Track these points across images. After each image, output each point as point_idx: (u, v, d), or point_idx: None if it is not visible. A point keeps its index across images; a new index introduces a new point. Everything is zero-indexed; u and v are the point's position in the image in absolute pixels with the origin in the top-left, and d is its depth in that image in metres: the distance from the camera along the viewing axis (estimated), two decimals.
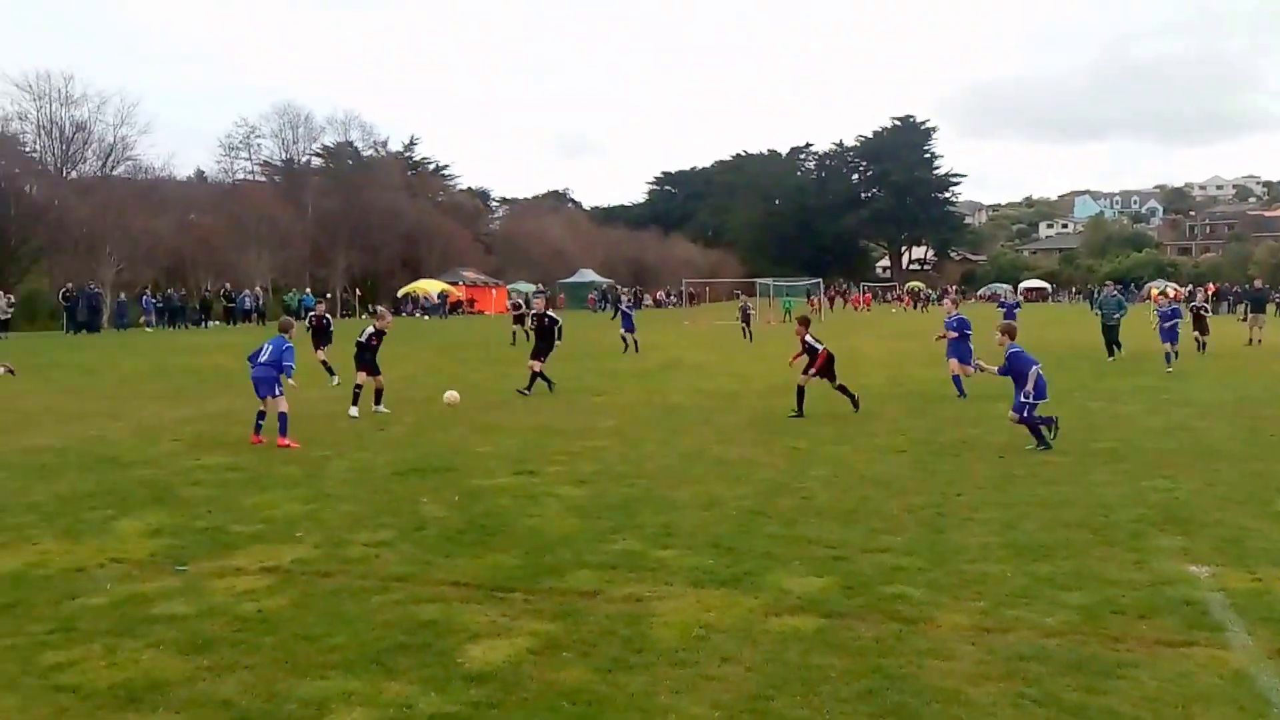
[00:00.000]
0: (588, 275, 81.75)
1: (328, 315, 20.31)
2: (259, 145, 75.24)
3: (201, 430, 13.06)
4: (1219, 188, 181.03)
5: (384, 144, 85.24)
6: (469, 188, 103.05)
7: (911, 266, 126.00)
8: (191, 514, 8.32)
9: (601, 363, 24.78)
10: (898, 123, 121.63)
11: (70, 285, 42.07)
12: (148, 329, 43.66)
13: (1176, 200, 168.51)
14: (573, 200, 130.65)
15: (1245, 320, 31.65)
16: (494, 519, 8.09)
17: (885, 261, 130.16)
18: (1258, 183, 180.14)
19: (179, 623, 5.66)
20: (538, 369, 17.14)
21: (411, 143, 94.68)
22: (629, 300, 34.68)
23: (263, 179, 75.11)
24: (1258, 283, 35.88)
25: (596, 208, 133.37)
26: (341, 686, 4.77)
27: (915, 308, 76.50)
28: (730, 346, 31.81)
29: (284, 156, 75.88)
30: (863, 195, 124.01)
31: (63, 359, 26.13)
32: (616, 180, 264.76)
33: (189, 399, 16.86)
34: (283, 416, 11.73)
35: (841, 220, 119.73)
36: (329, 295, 55.34)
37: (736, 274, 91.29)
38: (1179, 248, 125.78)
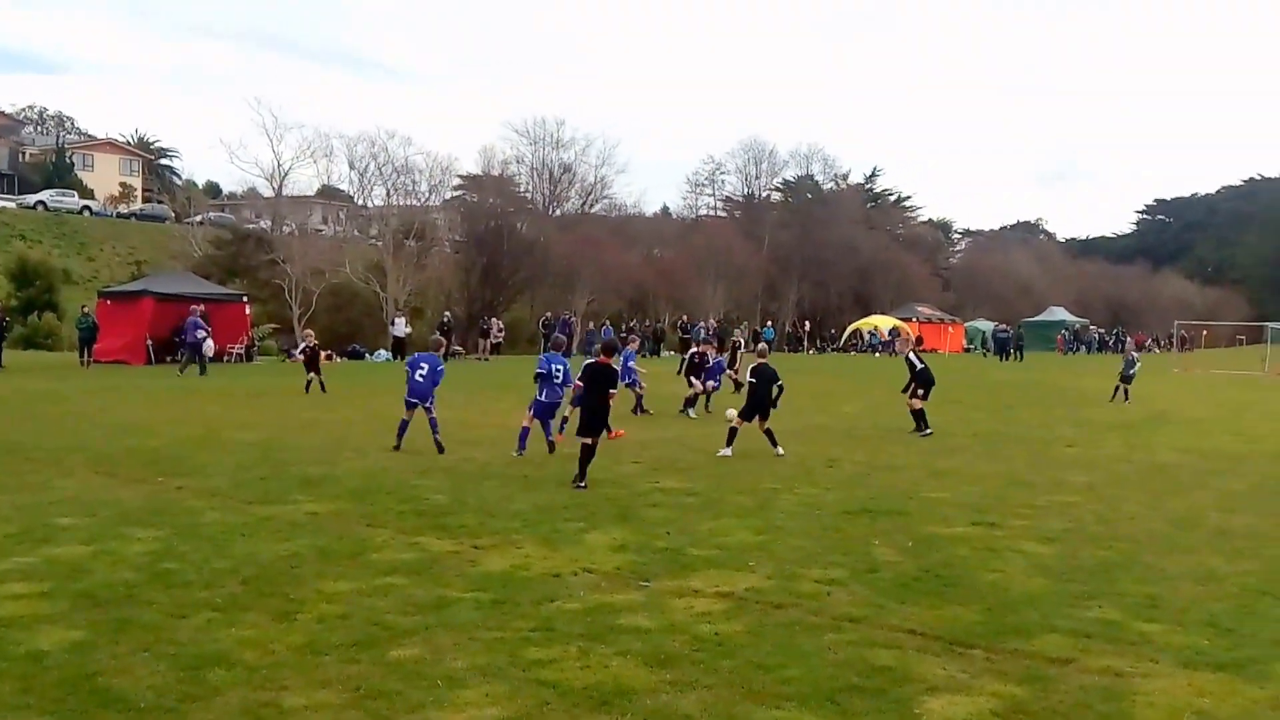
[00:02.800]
0: (1058, 314, 77.12)
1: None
2: (723, 181, 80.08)
3: (659, 455, 14.09)
4: None
5: (845, 176, 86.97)
6: (930, 219, 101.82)
7: None
8: (652, 533, 9.02)
9: (1077, 410, 23.34)
10: None
11: (549, 314, 47.24)
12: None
13: None
14: (1045, 231, 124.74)
15: None
16: (951, 569, 7.96)
17: None
18: None
19: (643, 635, 6.16)
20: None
21: (873, 174, 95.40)
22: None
23: (723, 214, 79.53)
24: None
25: (1072, 239, 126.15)
26: (797, 718, 4.96)
27: None
28: (1234, 400, 28.50)
29: (745, 191, 79.96)
30: None
31: None
32: (1098, 209, 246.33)
33: (649, 425, 18.12)
34: (433, 421, 13.73)
35: None
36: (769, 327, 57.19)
37: (1241, 316, 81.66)
38: None
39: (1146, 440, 17.55)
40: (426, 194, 53.24)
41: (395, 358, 37.92)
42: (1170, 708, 5.17)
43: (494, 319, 44.67)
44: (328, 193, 62.63)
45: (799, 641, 6.13)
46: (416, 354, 15.40)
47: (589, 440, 11.37)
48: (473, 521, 9.35)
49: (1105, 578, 7.83)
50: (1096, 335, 72.01)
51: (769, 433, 14.03)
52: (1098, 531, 9.62)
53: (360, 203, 57.00)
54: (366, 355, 42.11)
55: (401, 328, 40.91)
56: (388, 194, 52.38)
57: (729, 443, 13.90)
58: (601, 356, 12.24)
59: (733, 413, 14.19)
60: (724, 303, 64.75)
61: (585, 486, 11.09)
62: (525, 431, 13.75)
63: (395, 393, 15.80)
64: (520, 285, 56.54)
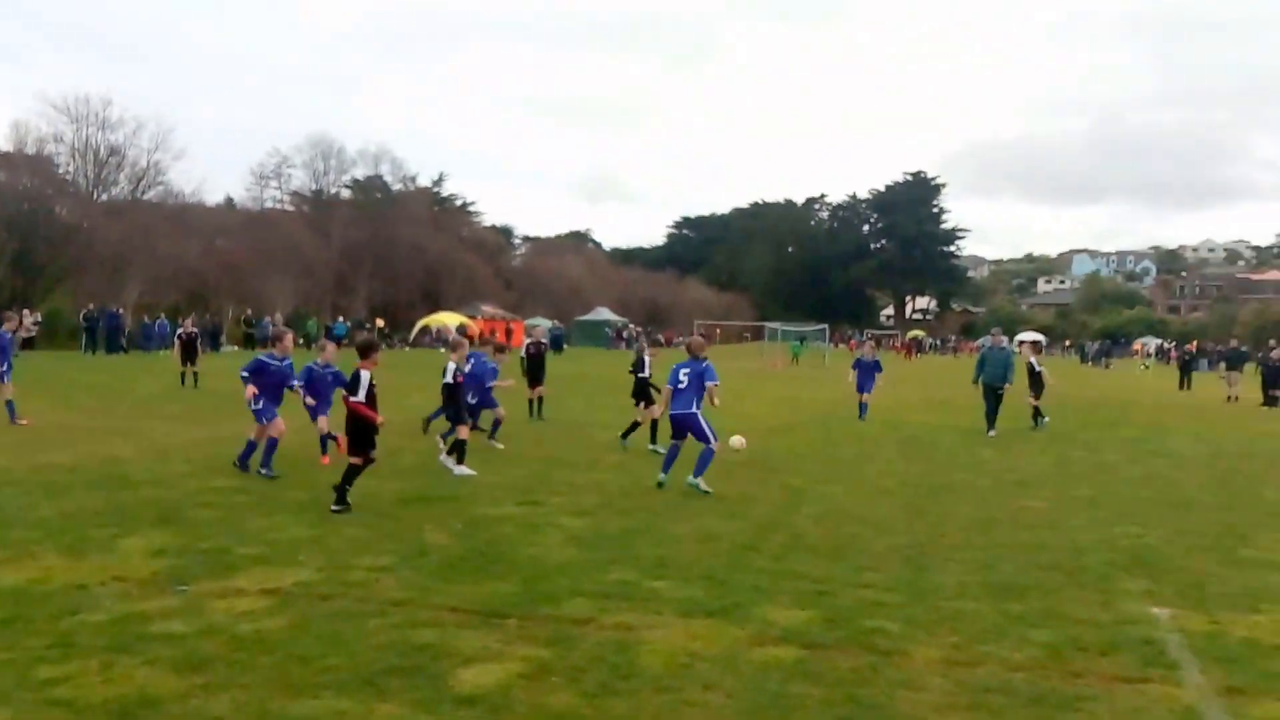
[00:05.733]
0: (603, 314, 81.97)
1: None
2: (290, 175, 75.92)
3: (213, 453, 13.12)
4: (1210, 250, 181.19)
5: (413, 179, 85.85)
6: (494, 225, 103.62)
7: (914, 316, 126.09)
8: (196, 535, 8.31)
9: (616, 397, 24.82)
10: (909, 177, 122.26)
11: (91, 306, 42.23)
12: (162, 352, 43.86)
13: (1169, 261, 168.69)
14: (594, 241, 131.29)
15: (1224, 378, 31.92)
16: (495, 547, 8.15)
17: (889, 310, 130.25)
18: (1247, 247, 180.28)
19: (176, 641, 5.66)
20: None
21: (440, 179, 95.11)
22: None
23: (291, 208, 75.70)
24: (1234, 342, 36.32)
25: (616, 249, 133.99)
26: (333, 707, 4.80)
27: (911, 356, 76.31)
28: (739, 389, 31.82)
29: (314, 187, 76.60)
30: (872, 246, 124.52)
31: (80, 379, 26.11)
32: (638, 223, 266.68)
33: (204, 421, 16.93)
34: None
35: (850, 269, 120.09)
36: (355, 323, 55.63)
37: (748, 318, 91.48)
38: (1169, 306, 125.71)
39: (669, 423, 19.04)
40: None
41: None
42: (668, 652, 5.64)
43: (25, 310, 39.18)
44: None
45: (342, 630, 5.95)
46: None
47: (354, 460, 9.61)
48: None
49: (626, 544, 8.37)
50: (635, 332, 77.19)
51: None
52: (624, 504, 10.28)
53: None
54: None
55: None
56: None
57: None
58: (360, 361, 9.78)
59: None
60: (293, 297, 61.74)
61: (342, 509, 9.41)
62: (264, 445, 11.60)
63: None
64: (58, 274, 49.63)
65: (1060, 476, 12.84)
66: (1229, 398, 29.86)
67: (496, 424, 14.88)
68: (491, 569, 7.44)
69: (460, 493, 10.64)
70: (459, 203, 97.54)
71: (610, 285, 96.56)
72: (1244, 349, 36.16)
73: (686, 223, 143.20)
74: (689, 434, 11.41)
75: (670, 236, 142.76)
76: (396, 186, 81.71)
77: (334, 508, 9.37)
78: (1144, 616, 6.46)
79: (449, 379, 12.52)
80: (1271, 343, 32.27)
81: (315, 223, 70.19)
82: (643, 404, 15.23)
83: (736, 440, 11.99)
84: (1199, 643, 5.93)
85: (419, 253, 73.28)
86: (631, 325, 78.94)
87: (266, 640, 5.73)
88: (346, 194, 78.68)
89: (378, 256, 69.88)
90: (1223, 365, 33.91)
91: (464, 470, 11.82)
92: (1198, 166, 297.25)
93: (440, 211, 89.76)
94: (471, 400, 13.60)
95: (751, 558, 7.99)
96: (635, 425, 15.10)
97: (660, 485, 11.26)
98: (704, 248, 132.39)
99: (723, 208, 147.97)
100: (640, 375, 15.56)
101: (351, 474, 9.58)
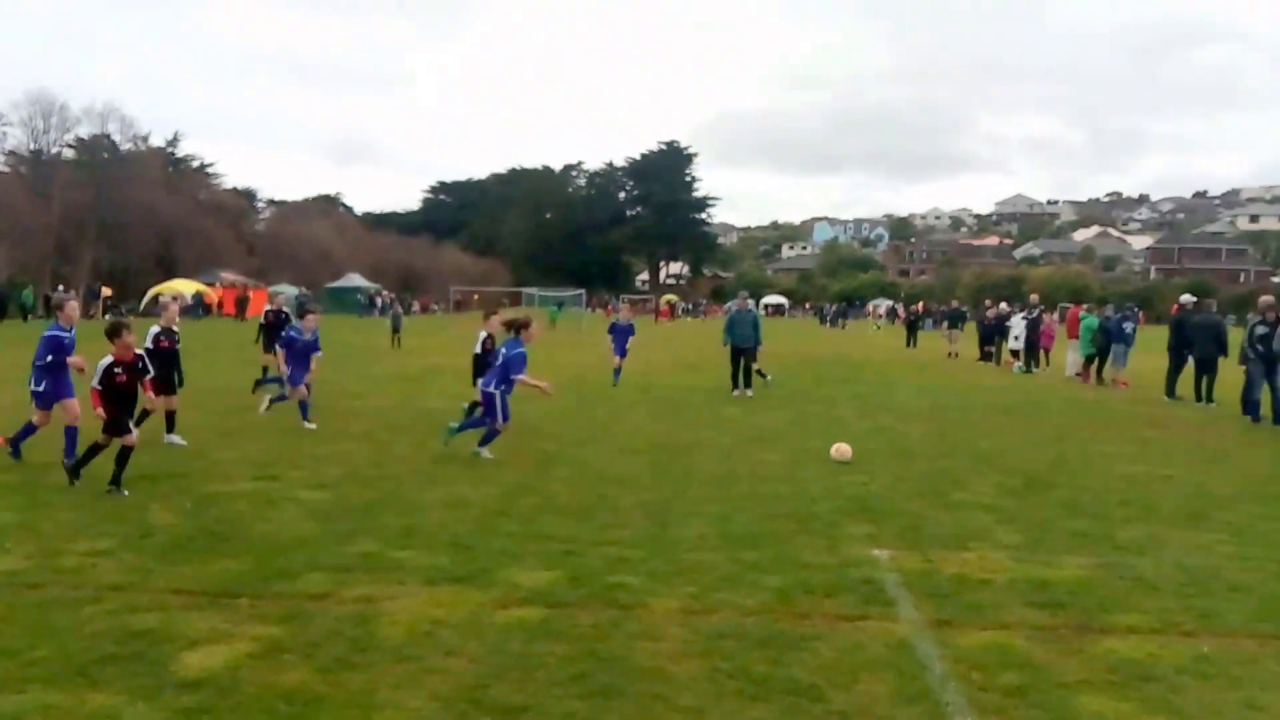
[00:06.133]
0: (355, 280, 79.20)
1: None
2: (4, 134, 68.67)
3: None
4: (937, 218, 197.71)
5: (144, 138, 79.45)
6: (235, 188, 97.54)
7: (668, 280, 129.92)
8: None
9: (362, 367, 24.10)
10: (663, 146, 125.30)
11: None
12: None
13: (901, 229, 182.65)
14: (344, 205, 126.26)
15: (946, 336, 34.94)
16: (227, 525, 7.71)
17: (645, 275, 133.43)
18: (969, 215, 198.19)
19: None
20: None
21: (175, 139, 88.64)
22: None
23: (6, 169, 68.51)
24: (954, 303, 39.91)
25: (369, 213, 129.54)
26: (40, 700, 4.42)
27: (671, 318, 78.75)
28: None
29: (32, 147, 69.55)
30: (628, 213, 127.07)
31: None
32: (392, 188, 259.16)
33: None
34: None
35: (607, 235, 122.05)
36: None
37: (506, 283, 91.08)
38: (900, 270, 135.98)
39: (421, 389, 18.74)
40: None
41: None
42: (410, 622, 5.54)
43: None
44: None
45: (53, 619, 5.48)
46: None
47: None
48: None
49: (370, 515, 8.14)
50: (389, 299, 75.05)
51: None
52: (369, 474, 10.00)
53: None
54: None
55: None
56: None
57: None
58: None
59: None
60: (7, 265, 55.90)
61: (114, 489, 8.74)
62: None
63: None
64: None
65: (797, 431, 13.63)
66: (950, 354, 32.68)
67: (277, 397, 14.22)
68: (221, 548, 7.04)
69: (190, 469, 10.00)
70: (196, 164, 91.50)
71: (363, 251, 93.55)
72: (964, 309, 39.67)
73: (443, 188, 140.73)
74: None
75: (426, 201, 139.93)
76: (126, 146, 75.60)
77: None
78: (866, 559, 6.96)
79: (150, 344, 11.66)
80: (987, 303, 35.53)
81: (34, 185, 63.85)
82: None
83: (841, 451, 11.22)
84: (914, 580, 6.45)
85: (151, 216, 68.23)
86: (385, 292, 76.77)
87: None
88: (70, 154, 71.98)
89: (105, 221, 64.36)
90: (945, 324, 37.02)
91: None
92: (927, 140, 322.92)
93: (175, 173, 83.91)
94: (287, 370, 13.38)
95: (500, 522, 7.98)
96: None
97: (445, 443, 11.32)
98: (461, 213, 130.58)
99: (480, 173, 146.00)
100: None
101: (91, 452, 9.07)
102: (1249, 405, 16.13)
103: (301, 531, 7.54)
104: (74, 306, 11.35)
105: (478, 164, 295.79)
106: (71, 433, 10.07)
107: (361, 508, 8.44)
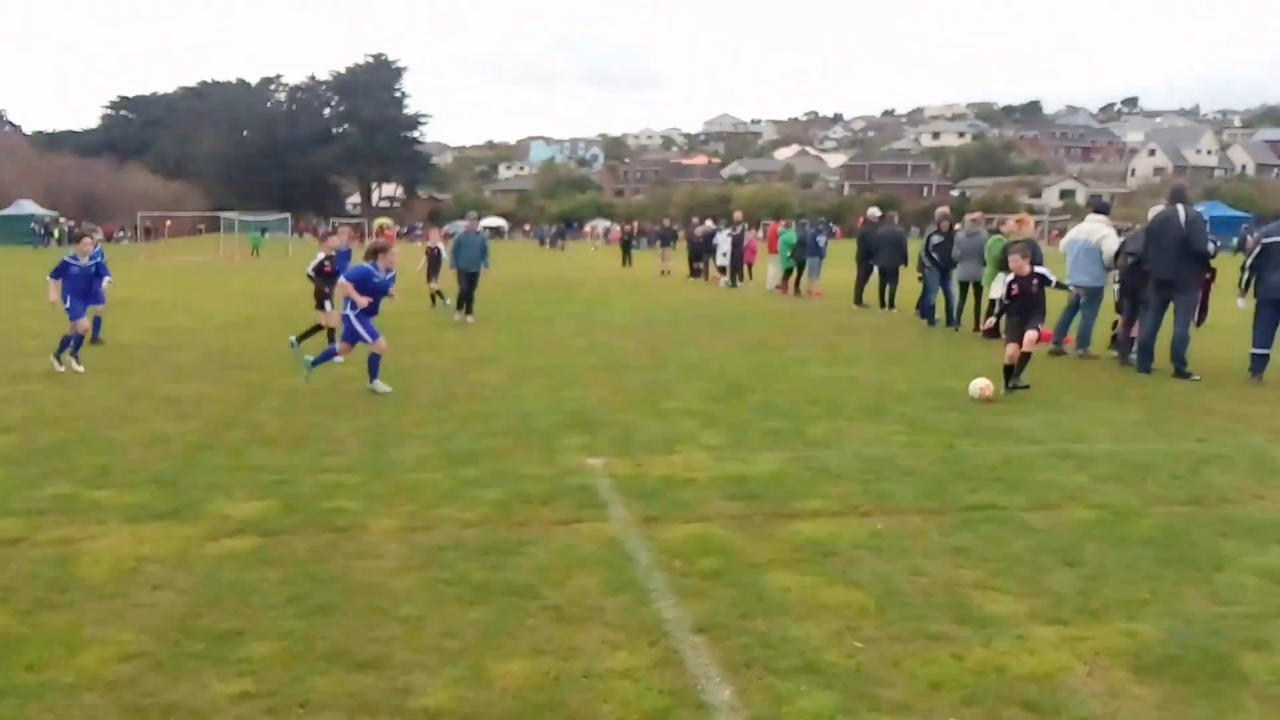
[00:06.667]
0: (27, 207, 70.92)
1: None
2: None
3: None
4: (650, 138, 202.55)
5: None
6: None
7: (381, 203, 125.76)
8: None
9: (41, 303, 21.88)
10: (370, 59, 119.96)
11: None
12: None
13: (615, 148, 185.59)
14: (10, 123, 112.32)
15: (659, 254, 36.37)
16: None
17: (356, 198, 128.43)
18: (680, 134, 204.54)
19: None
20: None
21: None
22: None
23: None
24: (666, 222, 41.58)
25: (40, 132, 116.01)
26: None
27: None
28: (191, 284, 29.68)
29: None
30: (334, 131, 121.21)
31: None
32: (64, 103, 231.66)
33: None
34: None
35: (312, 155, 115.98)
36: None
37: (201, 208, 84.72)
38: (615, 190, 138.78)
39: (110, 324, 17.34)
40: None
41: None
42: (114, 559, 5.33)
43: None
44: None
45: None
46: None
47: None
48: None
49: (61, 456, 7.62)
50: (67, 227, 68.08)
51: None
52: (57, 414, 9.30)
53: None
54: None
55: None
56: None
57: None
58: None
59: None
60: None
61: None
62: None
63: None
64: None
65: (517, 351, 13.89)
66: (662, 272, 34.10)
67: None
68: None
69: None
70: None
71: (34, 174, 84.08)
72: (674, 228, 41.30)
73: (124, 103, 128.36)
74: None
75: (106, 118, 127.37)
76: None
77: None
78: (581, 467, 7.35)
79: None
80: (694, 220, 37.17)
81: None
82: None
83: (980, 386, 10.21)
84: (624, 484, 6.89)
85: None
86: (63, 220, 69.46)
87: None
88: None
89: None
90: (659, 243, 38.44)
91: None
92: (627, 56, 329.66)
93: None
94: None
95: (206, 455, 7.71)
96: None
97: (304, 379, 11.01)
98: (146, 131, 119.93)
99: (166, 87, 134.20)
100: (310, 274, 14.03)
101: None
102: (925, 309, 18.07)
103: None
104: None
105: (163, 77, 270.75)
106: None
107: (52, 449, 7.87)
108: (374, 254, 10.87)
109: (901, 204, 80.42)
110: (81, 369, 11.89)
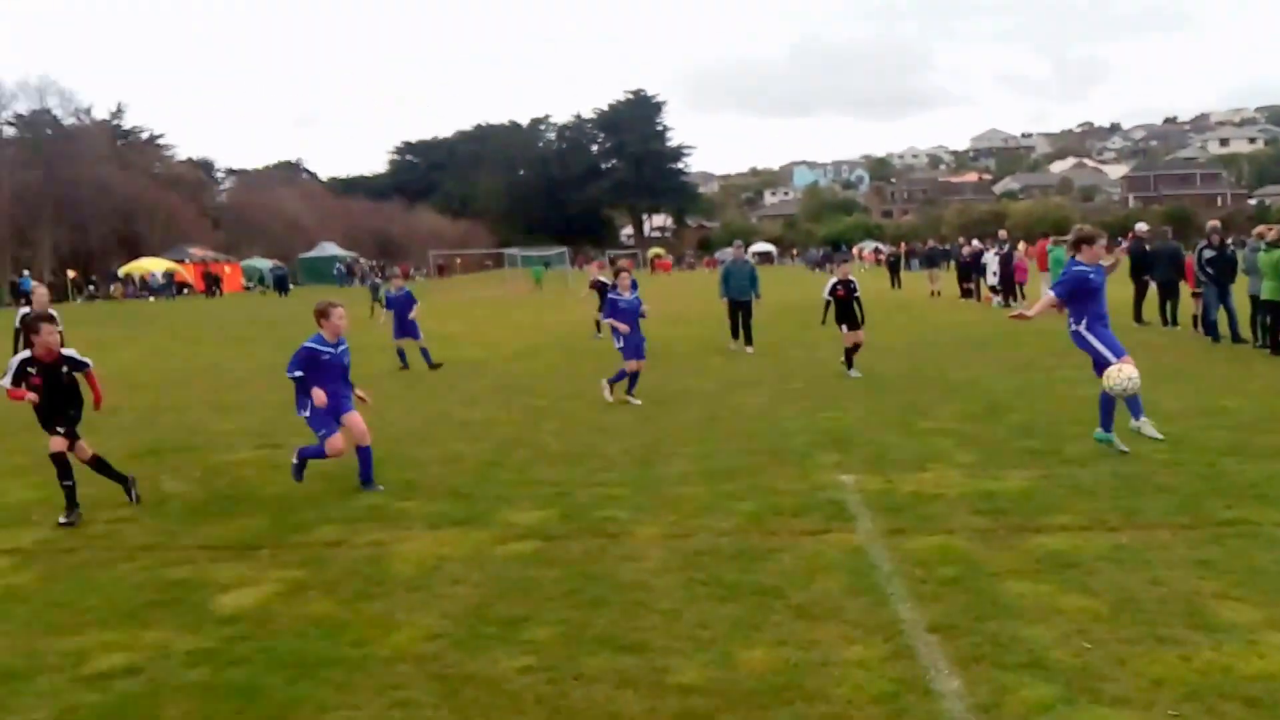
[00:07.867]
0: (330, 249, 79.01)
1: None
2: None
3: None
4: (915, 157, 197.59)
5: (87, 111, 78.81)
6: (190, 158, 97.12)
7: (653, 234, 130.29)
8: None
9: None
10: (630, 96, 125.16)
11: None
12: None
13: (880, 169, 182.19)
14: (307, 170, 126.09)
15: (928, 275, 35.70)
16: (238, 489, 8.48)
17: (629, 229, 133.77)
18: (946, 151, 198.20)
19: None
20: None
21: (119, 110, 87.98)
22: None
23: None
24: (932, 243, 40.62)
25: (335, 178, 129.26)
26: (99, 639, 5.17)
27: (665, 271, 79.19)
28: (483, 317, 32.35)
29: None
30: (603, 166, 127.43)
31: None
32: (354, 150, 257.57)
33: None
34: None
35: (585, 190, 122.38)
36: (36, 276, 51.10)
37: (486, 244, 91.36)
38: (883, 211, 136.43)
39: (415, 356, 19.41)
40: None
41: None
42: (419, 559, 6.32)
43: None
44: None
45: (95, 576, 6.24)
46: None
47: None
48: None
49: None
50: (370, 267, 75.49)
51: None
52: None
53: None
54: None
55: None
56: None
57: None
58: None
59: None
60: None
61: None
62: None
63: None
64: None
65: (778, 375, 14.43)
66: (932, 293, 33.46)
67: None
68: (236, 509, 7.81)
69: (194, 443, 10.74)
70: (145, 135, 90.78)
71: (333, 218, 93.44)
72: (944, 248, 40.42)
73: (409, 148, 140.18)
74: None
75: (393, 163, 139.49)
76: (69, 121, 74.80)
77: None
78: (833, 483, 7.77)
79: None
80: (960, 241, 36.26)
81: None
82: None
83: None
84: (873, 499, 7.26)
85: (106, 194, 67.75)
86: (363, 259, 76.90)
87: (19, 593, 5.97)
88: (12, 133, 71.23)
89: (59, 200, 64.02)
90: (927, 264, 37.76)
91: None
92: (891, 77, 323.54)
93: (125, 146, 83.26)
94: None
95: (496, 472, 8.76)
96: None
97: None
98: (430, 174, 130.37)
99: (445, 131, 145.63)
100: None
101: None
102: (1208, 326, 17.01)
103: (310, 491, 8.30)
104: (43, 292, 12.07)
105: (441, 122, 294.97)
106: None
107: None
108: (614, 278, 12.16)
109: (1196, 214, 74.37)
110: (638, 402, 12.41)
